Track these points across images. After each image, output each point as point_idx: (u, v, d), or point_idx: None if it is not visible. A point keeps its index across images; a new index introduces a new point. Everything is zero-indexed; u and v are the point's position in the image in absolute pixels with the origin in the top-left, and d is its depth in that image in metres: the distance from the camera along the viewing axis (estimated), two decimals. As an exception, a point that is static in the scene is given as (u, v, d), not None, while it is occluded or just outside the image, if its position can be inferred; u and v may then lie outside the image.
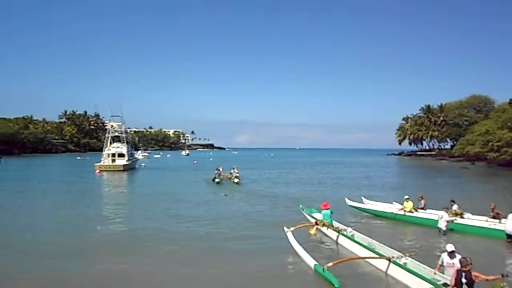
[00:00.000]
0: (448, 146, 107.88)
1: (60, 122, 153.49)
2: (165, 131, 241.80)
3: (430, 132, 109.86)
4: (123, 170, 49.42)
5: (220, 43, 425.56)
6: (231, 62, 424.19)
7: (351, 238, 12.24)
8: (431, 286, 8.16)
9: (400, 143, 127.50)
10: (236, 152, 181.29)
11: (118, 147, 53.77)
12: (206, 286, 9.35)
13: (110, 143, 55.05)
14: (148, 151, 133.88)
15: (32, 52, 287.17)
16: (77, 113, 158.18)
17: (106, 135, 57.64)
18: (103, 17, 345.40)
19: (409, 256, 9.79)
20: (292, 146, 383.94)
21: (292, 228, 12.98)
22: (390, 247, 10.96)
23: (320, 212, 15.07)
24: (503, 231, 13.52)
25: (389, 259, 9.76)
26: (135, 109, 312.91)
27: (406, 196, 17.61)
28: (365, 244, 11.45)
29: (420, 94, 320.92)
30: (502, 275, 7.48)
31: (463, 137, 79.81)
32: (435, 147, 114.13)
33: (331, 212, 14.25)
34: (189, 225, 16.11)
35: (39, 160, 79.78)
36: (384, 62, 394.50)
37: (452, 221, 14.94)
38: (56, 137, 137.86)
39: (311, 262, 10.20)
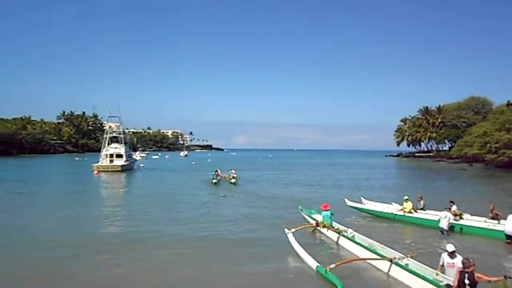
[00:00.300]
0: (446, 148, 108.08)
1: (58, 123, 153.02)
2: (163, 132, 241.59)
3: (428, 134, 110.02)
4: (121, 171, 49.31)
5: (219, 43, 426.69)
6: (230, 62, 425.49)
7: (352, 239, 12.21)
8: (434, 287, 8.15)
9: (398, 145, 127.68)
10: (234, 153, 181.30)
11: (116, 147, 53.69)
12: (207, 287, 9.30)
13: (108, 143, 54.97)
14: (146, 152, 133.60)
15: (31, 52, 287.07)
16: (75, 113, 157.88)
17: (104, 135, 57.50)
18: (102, 17, 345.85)
19: (411, 257, 9.78)
20: (291, 147, 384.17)
21: (293, 230, 12.92)
22: (391, 248, 10.95)
23: (319, 214, 15.04)
24: (502, 231, 13.56)
25: (390, 260, 9.75)
26: (134, 109, 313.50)
27: (406, 197, 17.63)
28: (366, 245, 11.42)
29: (419, 95, 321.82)
30: (505, 277, 7.48)
31: (461, 139, 79.91)
32: (433, 148, 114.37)
33: (332, 214, 14.21)
34: (187, 226, 15.94)
35: (37, 161, 79.55)
36: (384, 63, 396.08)
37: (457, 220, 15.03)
38: (54, 138, 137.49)
39: (313, 263, 10.15)
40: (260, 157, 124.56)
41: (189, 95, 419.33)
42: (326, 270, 9.29)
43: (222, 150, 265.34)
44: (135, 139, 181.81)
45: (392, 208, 18.35)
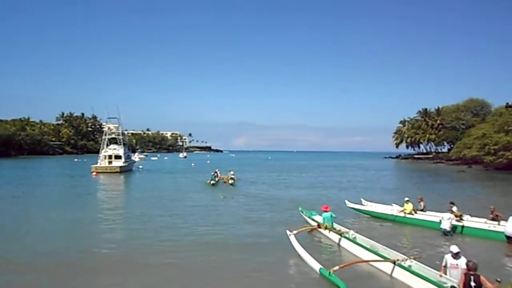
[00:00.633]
0: (445, 150, 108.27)
1: (57, 124, 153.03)
2: (162, 134, 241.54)
3: (427, 136, 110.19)
4: (120, 172, 49.20)
5: (218, 45, 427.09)
6: (229, 64, 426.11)
7: (354, 241, 12.15)
8: None
9: (397, 146, 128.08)
10: (233, 155, 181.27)
11: (115, 149, 53.55)
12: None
13: (107, 145, 54.85)
14: (145, 153, 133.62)
15: (30, 53, 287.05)
16: (75, 115, 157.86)
17: (103, 137, 57.36)
18: (102, 18, 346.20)
19: (414, 259, 9.75)
20: (290, 149, 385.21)
21: (294, 232, 12.86)
22: (392, 249, 10.92)
23: (320, 215, 14.99)
24: (502, 233, 13.57)
25: (394, 262, 9.70)
26: (133, 111, 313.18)
27: (406, 198, 17.64)
28: (368, 246, 11.36)
29: (418, 97, 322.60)
30: (497, 280, 7.47)
31: (460, 141, 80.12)
32: (432, 150, 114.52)
33: (332, 216, 14.10)
34: (187, 231, 15.38)
35: (36, 162, 79.34)
36: (383, 64, 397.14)
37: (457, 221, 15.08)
38: (53, 139, 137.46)
39: (316, 265, 10.09)
40: (259, 159, 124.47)
41: (188, 97, 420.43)
42: (329, 272, 9.22)
43: (221, 151, 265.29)
44: (134, 140, 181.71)
45: (393, 210, 18.36)
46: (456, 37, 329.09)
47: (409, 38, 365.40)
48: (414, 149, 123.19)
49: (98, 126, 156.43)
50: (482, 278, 7.22)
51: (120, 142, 56.60)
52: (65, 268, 10.49)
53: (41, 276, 9.93)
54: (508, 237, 13.26)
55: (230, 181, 34.73)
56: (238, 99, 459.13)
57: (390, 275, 9.70)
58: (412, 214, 16.99)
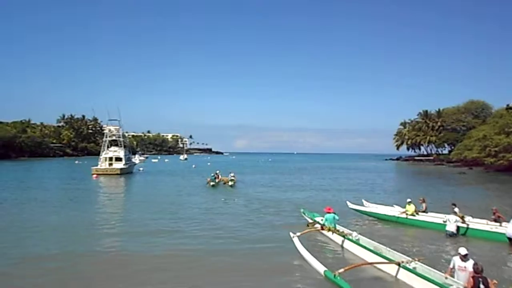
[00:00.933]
0: (445, 151, 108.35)
1: (58, 126, 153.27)
2: (163, 136, 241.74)
3: (428, 137, 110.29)
4: (120, 174, 49.12)
5: (219, 47, 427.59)
6: (230, 66, 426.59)
7: (357, 243, 12.09)
8: None
9: (398, 148, 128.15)
10: (234, 157, 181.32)
11: (115, 151, 53.43)
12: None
13: (108, 147, 54.77)
14: (146, 155, 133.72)
15: (31, 55, 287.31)
16: (75, 117, 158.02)
17: (104, 139, 57.32)
18: (103, 19, 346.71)
19: (419, 261, 9.70)
20: (291, 150, 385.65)
21: (298, 234, 12.78)
22: (396, 251, 10.89)
23: (322, 216, 14.95)
24: (504, 234, 13.52)
25: (398, 264, 9.64)
26: (134, 113, 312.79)
27: (409, 199, 17.63)
28: (372, 248, 11.31)
29: (419, 99, 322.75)
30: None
31: (461, 142, 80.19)
32: (433, 152, 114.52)
33: (335, 217, 14.01)
34: (188, 234, 15.03)
35: (36, 164, 79.35)
36: (383, 66, 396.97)
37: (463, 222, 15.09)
38: (54, 141, 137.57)
39: (320, 268, 10.03)
40: (259, 161, 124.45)
41: (189, 99, 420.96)
42: (335, 275, 9.16)
43: (222, 153, 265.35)
44: (134, 142, 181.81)
45: (394, 211, 18.34)
46: (456, 38, 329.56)
47: (410, 40, 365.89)
48: (414, 151, 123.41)
49: (98, 128, 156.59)
50: (489, 280, 7.19)
51: (120, 144, 56.53)
52: (61, 274, 10.24)
53: (36, 281, 9.70)
54: (510, 239, 13.24)
55: (230, 183, 34.99)
56: (238, 101, 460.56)
57: (395, 277, 9.64)
58: (414, 215, 16.97)
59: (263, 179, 45.23)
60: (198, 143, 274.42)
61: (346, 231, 13.46)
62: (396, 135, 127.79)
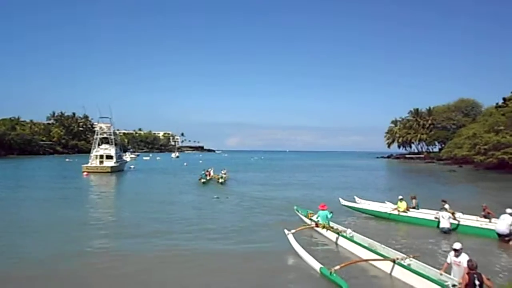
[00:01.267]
0: (436, 149, 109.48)
1: (48, 124, 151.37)
2: (154, 133, 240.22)
3: (419, 135, 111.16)
4: (111, 172, 48.72)
5: (211, 45, 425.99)
6: (222, 64, 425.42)
7: (352, 240, 12.12)
8: (439, 287, 8.09)
9: (389, 146, 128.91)
10: (226, 155, 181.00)
11: (106, 148, 52.96)
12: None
13: (99, 144, 54.27)
14: (137, 153, 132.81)
15: (20, 53, 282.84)
16: (66, 114, 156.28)
17: (95, 136, 56.78)
18: (93, 19, 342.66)
19: (413, 257, 9.73)
20: (283, 148, 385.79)
21: (293, 230, 12.77)
22: (390, 248, 10.92)
23: (316, 213, 14.95)
24: (494, 230, 13.69)
25: (393, 261, 9.67)
26: (125, 111, 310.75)
27: (400, 196, 17.76)
28: (366, 245, 11.32)
29: (410, 97, 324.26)
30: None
31: (451, 140, 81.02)
32: (424, 150, 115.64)
33: (327, 216, 14.00)
34: (180, 234, 14.71)
35: (26, 162, 78.30)
36: (376, 64, 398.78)
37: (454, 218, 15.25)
38: (44, 139, 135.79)
39: (316, 265, 10.01)
40: (252, 159, 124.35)
41: (181, 97, 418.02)
42: (331, 272, 9.14)
43: (214, 151, 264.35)
44: (126, 140, 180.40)
45: (386, 207, 18.44)
46: (447, 36, 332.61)
47: (402, 38, 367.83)
48: (405, 149, 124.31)
49: (89, 126, 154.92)
50: (484, 276, 7.24)
51: (111, 141, 55.99)
52: (48, 277, 9.77)
53: (21, 285, 9.35)
54: (499, 235, 13.44)
55: (220, 180, 34.98)
56: (231, 99, 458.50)
57: (390, 274, 9.66)
58: (406, 212, 17.07)
59: (255, 177, 45.24)
60: (190, 141, 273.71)
61: (340, 228, 13.48)
62: (387, 133, 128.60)
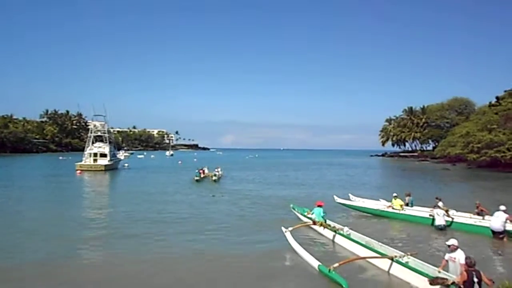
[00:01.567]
0: (430, 148, 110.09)
1: (42, 122, 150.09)
2: (149, 131, 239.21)
3: (413, 134, 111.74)
4: (105, 170, 48.42)
5: (206, 43, 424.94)
6: (216, 62, 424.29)
7: (349, 238, 12.11)
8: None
9: (383, 144, 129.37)
10: (221, 153, 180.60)
11: (100, 146, 52.51)
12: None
13: (93, 142, 53.84)
14: (131, 151, 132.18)
15: (14, 51, 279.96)
16: (59, 112, 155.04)
17: (89, 134, 56.33)
18: (89, 18, 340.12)
19: (411, 255, 9.74)
20: (278, 147, 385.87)
21: (290, 228, 12.73)
22: (387, 245, 10.93)
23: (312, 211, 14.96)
24: (487, 227, 13.77)
25: (391, 259, 9.67)
26: (119, 109, 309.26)
27: (395, 194, 17.83)
28: (364, 243, 11.32)
29: (404, 95, 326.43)
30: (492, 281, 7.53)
31: (445, 139, 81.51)
32: (418, 148, 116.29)
33: (321, 214, 14.07)
34: (175, 234, 14.35)
35: (19, 160, 77.61)
36: (370, 63, 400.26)
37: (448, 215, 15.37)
38: (37, 137, 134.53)
39: (314, 262, 9.99)
40: (246, 157, 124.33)
41: (176, 95, 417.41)
42: (329, 270, 9.11)
43: (208, 149, 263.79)
44: (120, 138, 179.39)
45: (381, 205, 18.51)
46: (442, 36, 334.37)
47: (396, 37, 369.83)
48: (399, 147, 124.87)
49: (83, 124, 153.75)
50: (482, 273, 7.26)
51: (106, 140, 55.53)
52: (40, 278, 9.51)
53: (13, 286, 9.08)
54: (493, 232, 13.52)
55: (214, 178, 35.08)
56: (226, 97, 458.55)
57: (388, 272, 9.65)
58: (400, 210, 17.14)
59: (249, 175, 45.17)
60: (184, 139, 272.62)
61: (337, 226, 13.48)
62: (381, 131, 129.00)
